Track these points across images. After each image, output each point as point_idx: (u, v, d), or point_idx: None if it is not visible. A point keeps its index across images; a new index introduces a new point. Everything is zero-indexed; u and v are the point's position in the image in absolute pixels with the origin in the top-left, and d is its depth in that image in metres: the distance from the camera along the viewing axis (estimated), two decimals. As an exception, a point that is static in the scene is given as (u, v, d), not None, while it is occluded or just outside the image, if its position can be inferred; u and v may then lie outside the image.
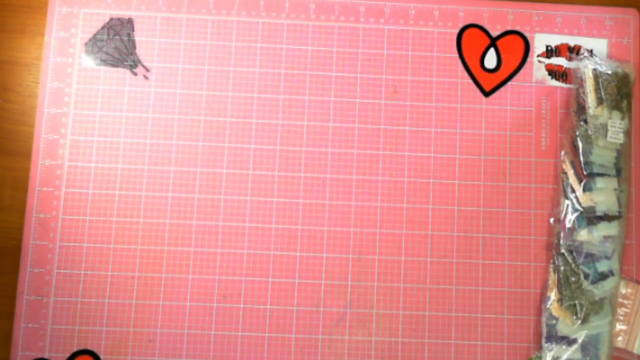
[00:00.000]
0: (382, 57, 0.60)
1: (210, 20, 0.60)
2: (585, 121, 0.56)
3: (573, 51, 0.60)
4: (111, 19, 0.59)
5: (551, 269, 0.56)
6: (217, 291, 0.57)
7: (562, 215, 0.56)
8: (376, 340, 0.56)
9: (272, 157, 0.59)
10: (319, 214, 0.58)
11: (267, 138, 0.59)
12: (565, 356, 0.54)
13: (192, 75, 0.59)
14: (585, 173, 0.56)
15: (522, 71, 0.60)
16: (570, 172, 0.57)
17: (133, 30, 0.59)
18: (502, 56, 0.60)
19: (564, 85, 0.60)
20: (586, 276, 0.55)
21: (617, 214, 0.56)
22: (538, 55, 0.60)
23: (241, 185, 0.58)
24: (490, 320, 0.57)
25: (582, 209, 0.55)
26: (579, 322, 0.54)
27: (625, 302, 0.56)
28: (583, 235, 0.55)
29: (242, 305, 0.57)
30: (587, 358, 0.54)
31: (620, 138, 0.56)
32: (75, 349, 0.55)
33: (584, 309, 0.54)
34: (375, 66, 0.60)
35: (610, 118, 0.56)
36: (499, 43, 0.61)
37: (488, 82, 0.60)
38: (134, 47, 0.59)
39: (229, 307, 0.57)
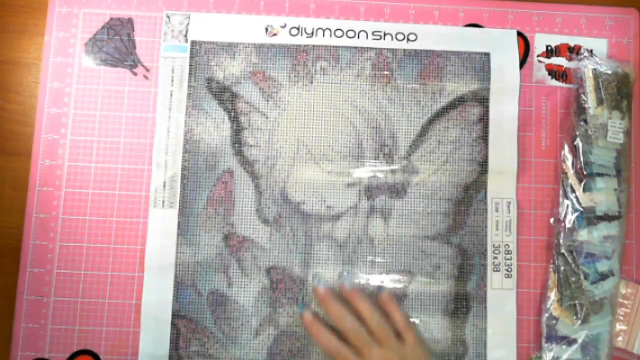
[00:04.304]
0: (382, 57, 0.60)
1: (210, 20, 0.60)
2: (585, 121, 0.56)
3: (573, 51, 0.60)
4: (111, 19, 0.59)
5: (551, 269, 0.56)
6: (217, 291, 0.57)
7: (562, 215, 0.56)
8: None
9: (272, 157, 0.58)
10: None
11: (267, 138, 0.59)
12: (565, 356, 0.54)
13: (192, 75, 0.59)
14: (585, 173, 0.56)
15: (522, 71, 0.59)
16: (570, 172, 0.56)
17: (133, 30, 0.59)
18: (502, 56, 0.60)
19: (564, 85, 0.60)
20: (586, 276, 0.55)
21: (617, 214, 0.56)
22: (538, 55, 0.60)
23: (241, 185, 0.58)
24: (490, 320, 0.57)
25: (582, 209, 0.55)
26: (579, 322, 0.54)
27: (625, 302, 0.56)
28: (583, 235, 0.55)
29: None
30: (587, 358, 0.54)
31: (620, 138, 0.56)
32: (75, 349, 0.55)
33: (584, 309, 0.54)
34: (375, 66, 0.60)
35: (610, 118, 0.56)
36: (499, 43, 0.61)
37: (488, 82, 0.60)
38: (134, 47, 0.59)
39: (229, 307, 0.56)
